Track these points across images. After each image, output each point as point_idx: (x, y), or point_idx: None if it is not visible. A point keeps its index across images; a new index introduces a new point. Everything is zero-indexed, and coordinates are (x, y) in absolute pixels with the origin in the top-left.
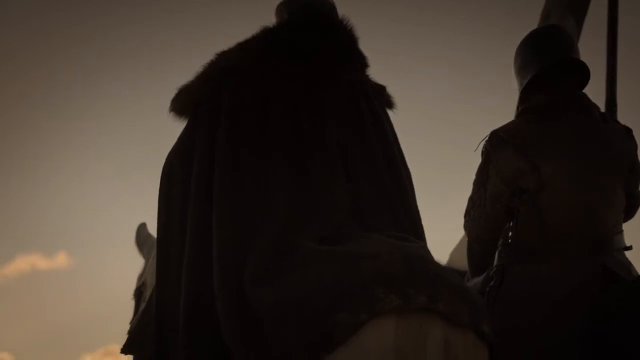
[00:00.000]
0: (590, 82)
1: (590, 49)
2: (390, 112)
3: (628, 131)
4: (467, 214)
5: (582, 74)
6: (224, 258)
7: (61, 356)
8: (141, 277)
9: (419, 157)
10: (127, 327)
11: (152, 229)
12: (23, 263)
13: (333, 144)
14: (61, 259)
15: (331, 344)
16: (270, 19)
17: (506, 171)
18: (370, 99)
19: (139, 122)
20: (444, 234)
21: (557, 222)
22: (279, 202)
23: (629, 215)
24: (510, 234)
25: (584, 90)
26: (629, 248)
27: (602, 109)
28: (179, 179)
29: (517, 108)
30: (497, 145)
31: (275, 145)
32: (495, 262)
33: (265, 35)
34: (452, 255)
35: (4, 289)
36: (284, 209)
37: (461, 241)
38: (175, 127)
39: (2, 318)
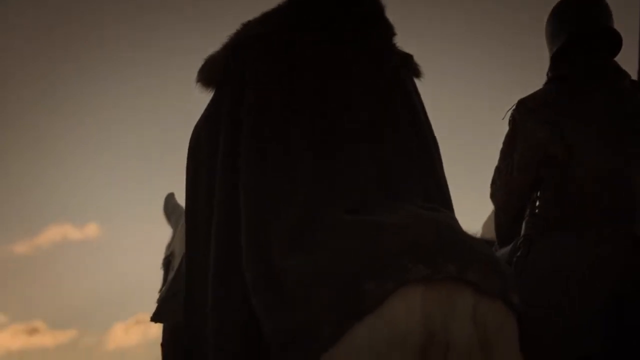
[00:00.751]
0: (623, 49)
1: (622, 14)
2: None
3: None
4: (494, 183)
5: (614, 40)
6: (252, 230)
7: (93, 324)
8: (169, 246)
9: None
10: (157, 295)
11: (180, 199)
12: (55, 233)
13: (359, 113)
14: (92, 230)
15: (359, 313)
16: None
17: (533, 140)
18: (397, 67)
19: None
20: None
21: (585, 191)
22: (305, 174)
23: None
24: (537, 203)
25: (615, 58)
26: None
27: (634, 76)
28: (206, 151)
29: (547, 75)
30: (524, 113)
31: (300, 116)
32: (523, 232)
33: (291, 4)
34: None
35: (36, 258)
36: (311, 180)
37: (490, 217)
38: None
39: (35, 287)
